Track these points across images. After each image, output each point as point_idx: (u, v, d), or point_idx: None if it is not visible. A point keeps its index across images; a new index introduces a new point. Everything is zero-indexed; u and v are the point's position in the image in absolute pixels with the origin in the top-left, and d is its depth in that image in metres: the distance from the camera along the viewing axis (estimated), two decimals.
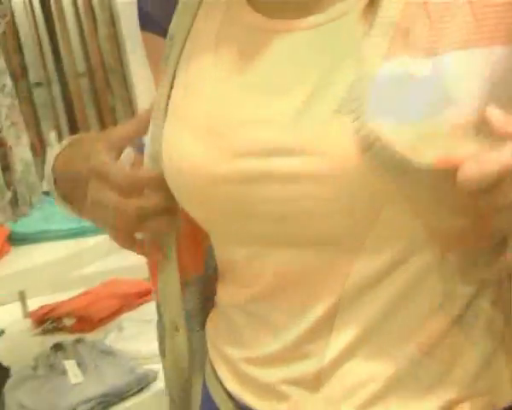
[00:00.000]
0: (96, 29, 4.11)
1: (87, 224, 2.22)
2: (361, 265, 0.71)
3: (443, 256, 0.71)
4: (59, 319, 2.67)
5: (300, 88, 0.71)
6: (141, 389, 2.23)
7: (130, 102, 4.19)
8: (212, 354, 0.88)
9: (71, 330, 2.61)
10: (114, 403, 2.18)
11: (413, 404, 0.73)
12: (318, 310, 0.73)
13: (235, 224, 0.77)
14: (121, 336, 2.49)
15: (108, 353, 2.35)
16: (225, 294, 0.86)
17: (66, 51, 4.08)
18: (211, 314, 0.90)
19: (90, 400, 2.15)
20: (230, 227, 0.78)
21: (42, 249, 2.36)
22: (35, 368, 2.31)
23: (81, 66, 4.13)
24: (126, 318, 2.61)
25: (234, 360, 0.83)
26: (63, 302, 2.74)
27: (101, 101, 4.13)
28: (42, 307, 2.76)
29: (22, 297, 2.79)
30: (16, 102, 2.48)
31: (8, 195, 2.44)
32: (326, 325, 0.74)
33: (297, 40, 0.73)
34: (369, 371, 0.74)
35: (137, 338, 2.45)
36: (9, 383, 2.25)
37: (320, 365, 0.74)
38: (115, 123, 3.99)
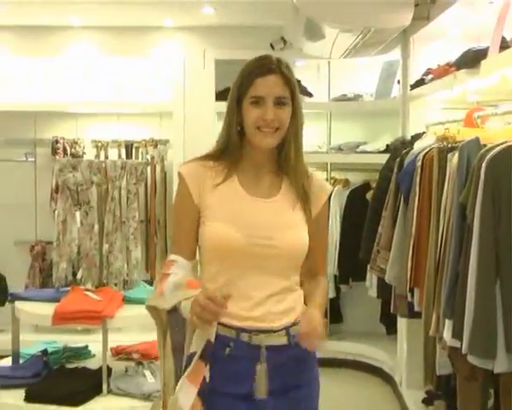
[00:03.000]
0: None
1: None
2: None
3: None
4: (129, 353, 4.58)
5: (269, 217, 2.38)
6: None
7: None
8: None
9: (135, 360, 4.50)
10: None
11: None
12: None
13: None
14: None
15: None
16: None
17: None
18: None
19: (159, 391, 3.99)
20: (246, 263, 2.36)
21: (137, 308, 4.28)
22: (126, 371, 4.21)
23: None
24: None
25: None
26: (132, 345, 4.65)
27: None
28: (117, 346, 4.67)
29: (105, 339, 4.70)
30: (139, 225, 4.51)
31: (124, 277, 4.43)
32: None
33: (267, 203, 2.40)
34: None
35: None
36: (112, 377, 4.14)
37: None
38: None
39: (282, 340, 2.35)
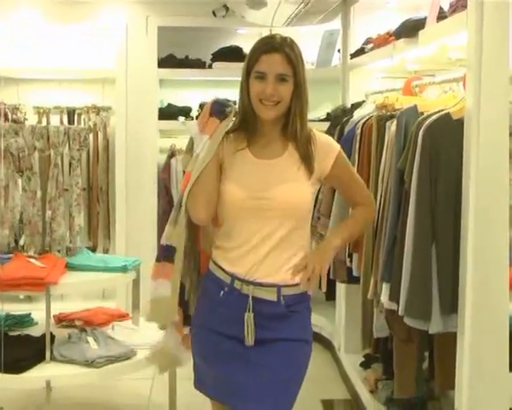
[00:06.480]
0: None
1: (108, 266, 4.27)
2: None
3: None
4: (72, 320, 4.59)
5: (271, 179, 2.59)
6: (127, 358, 4.14)
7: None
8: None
9: (78, 327, 4.51)
10: (113, 362, 4.06)
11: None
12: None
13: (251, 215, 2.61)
14: (112, 333, 4.43)
15: (109, 337, 4.29)
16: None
17: None
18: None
19: (101, 357, 4.05)
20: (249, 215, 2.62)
21: (80, 274, 4.31)
22: (69, 338, 4.22)
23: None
24: (115, 325, 4.56)
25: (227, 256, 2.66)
26: (75, 312, 4.67)
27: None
28: (60, 313, 4.68)
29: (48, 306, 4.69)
30: (82, 191, 4.50)
31: (68, 243, 4.43)
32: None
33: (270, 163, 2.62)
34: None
35: (122, 335, 4.39)
36: (55, 343, 4.15)
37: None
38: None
39: (270, 296, 2.59)
